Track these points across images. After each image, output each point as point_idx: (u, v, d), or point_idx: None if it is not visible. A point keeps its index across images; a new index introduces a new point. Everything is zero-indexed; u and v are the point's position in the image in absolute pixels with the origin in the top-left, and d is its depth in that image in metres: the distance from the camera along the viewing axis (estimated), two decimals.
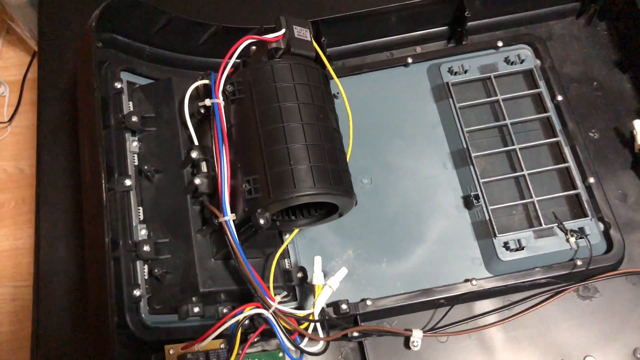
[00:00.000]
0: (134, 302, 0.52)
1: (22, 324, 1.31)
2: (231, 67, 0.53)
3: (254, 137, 0.50)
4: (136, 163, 0.57)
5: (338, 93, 0.62)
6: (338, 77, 0.61)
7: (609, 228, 0.60)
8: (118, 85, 0.57)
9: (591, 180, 0.61)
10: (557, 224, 0.59)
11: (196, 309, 0.53)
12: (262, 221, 0.49)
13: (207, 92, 0.56)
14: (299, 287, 0.58)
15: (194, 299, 0.53)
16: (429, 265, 0.60)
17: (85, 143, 0.54)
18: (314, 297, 0.52)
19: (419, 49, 0.70)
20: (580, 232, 0.59)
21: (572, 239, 0.58)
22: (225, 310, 0.54)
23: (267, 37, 0.51)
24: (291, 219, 0.55)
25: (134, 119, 0.56)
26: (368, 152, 0.65)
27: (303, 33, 0.52)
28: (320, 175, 0.49)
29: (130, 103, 0.58)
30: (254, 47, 0.54)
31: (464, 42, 0.69)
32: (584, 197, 0.61)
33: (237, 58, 0.53)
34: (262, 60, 0.53)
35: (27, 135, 1.48)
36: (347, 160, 0.56)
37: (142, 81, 0.61)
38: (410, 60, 0.68)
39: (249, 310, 0.50)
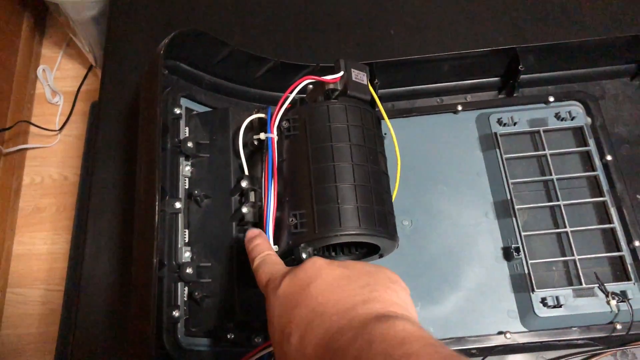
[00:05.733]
0: (172, 323, 0.53)
1: (50, 328, 1.35)
2: (289, 103, 0.55)
3: (304, 173, 0.51)
4: (187, 187, 0.59)
5: (386, 133, 0.63)
6: (388, 119, 0.63)
7: None
8: (177, 110, 0.59)
9: (636, 243, 0.60)
10: (598, 285, 0.59)
11: (230, 335, 0.54)
12: (304, 255, 0.49)
13: (262, 124, 0.58)
14: None
15: (229, 325, 0.54)
16: (463, 313, 0.60)
17: (142, 163, 0.56)
18: None
19: (469, 98, 0.71)
20: (622, 296, 0.58)
21: (613, 302, 0.58)
22: (258, 340, 0.55)
23: (326, 79, 0.53)
24: (332, 255, 0.56)
25: (189, 144, 0.58)
26: (411, 194, 0.65)
27: (360, 77, 0.53)
28: (365, 216, 0.50)
29: (187, 129, 0.60)
30: (311, 86, 0.56)
31: (515, 95, 0.70)
32: (628, 260, 0.60)
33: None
34: (319, 99, 0.54)
35: (74, 144, 1.53)
36: (392, 201, 0.57)
37: (199, 108, 0.64)
38: (459, 107, 0.69)
39: None
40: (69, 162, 1.51)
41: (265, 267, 0.45)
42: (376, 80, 0.66)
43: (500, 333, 0.58)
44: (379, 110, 0.59)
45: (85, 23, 1.33)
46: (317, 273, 0.40)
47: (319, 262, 0.42)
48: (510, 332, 0.58)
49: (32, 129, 1.51)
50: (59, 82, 1.59)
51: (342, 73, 0.53)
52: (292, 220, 0.51)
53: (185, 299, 0.55)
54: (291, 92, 0.54)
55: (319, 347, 0.36)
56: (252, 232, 0.51)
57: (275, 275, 0.43)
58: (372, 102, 0.57)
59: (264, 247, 0.48)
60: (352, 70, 0.53)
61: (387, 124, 0.59)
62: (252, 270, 0.47)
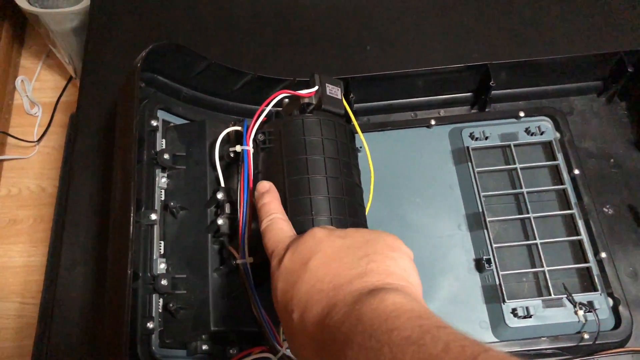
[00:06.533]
0: (146, 334, 0.53)
1: (25, 341, 1.33)
2: (264, 116, 0.55)
3: (279, 185, 0.52)
4: (163, 198, 0.59)
5: (361, 147, 0.64)
6: (363, 132, 0.64)
7: (618, 304, 0.60)
8: (154, 123, 0.60)
9: (603, 255, 0.62)
10: (566, 296, 0.60)
11: (205, 347, 0.54)
12: None
13: (238, 137, 0.58)
14: None
15: (204, 336, 0.54)
16: None
17: (118, 175, 0.57)
18: None
19: (442, 112, 0.73)
20: (589, 306, 0.60)
21: (581, 312, 0.59)
22: (232, 351, 0.55)
23: (301, 93, 0.54)
24: None
25: (166, 156, 0.59)
26: (386, 206, 0.66)
27: (334, 91, 0.54)
28: (339, 227, 0.51)
29: (164, 141, 0.61)
30: (287, 100, 0.57)
31: (487, 109, 0.72)
32: (595, 271, 0.62)
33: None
34: (294, 113, 0.55)
35: (53, 155, 1.52)
36: (366, 213, 0.58)
37: (176, 120, 0.64)
38: (433, 122, 0.70)
39: (257, 354, 0.51)
40: (47, 174, 1.50)
41: (271, 234, 0.46)
42: (352, 95, 0.67)
43: None
44: (353, 124, 0.60)
45: (65, 34, 1.33)
46: (317, 246, 0.41)
47: (319, 233, 0.42)
48: None
49: (10, 140, 1.50)
50: (38, 93, 1.59)
51: (316, 88, 0.54)
52: None
53: (160, 310, 0.55)
54: (267, 106, 0.55)
55: (317, 326, 0.36)
56: (262, 186, 0.50)
57: (280, 246, 0.43)
58: (347, 116, 0.58)
59: (271, 207, 0.48)
60: (327, 85, 0.55)
61: (361, 137, 0.60)
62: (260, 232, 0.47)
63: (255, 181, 0.54)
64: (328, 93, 0.54)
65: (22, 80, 1.56)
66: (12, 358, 1.31)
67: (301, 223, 0.51)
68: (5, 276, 1.38)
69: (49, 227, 1.42)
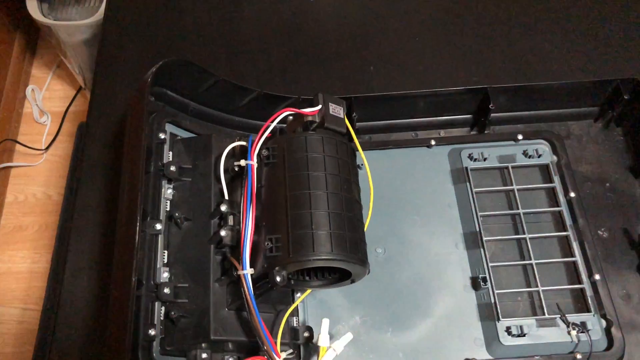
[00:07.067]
0: (148, 341, 0.55)
1: (25, 347, 1.33)
2: (269, 133, 0.57)
3: (281, 199, 0.54)
4: (168, 209, 0.61)
5: (362, 165, 0.66)
6: (364, 151, 0.66)
7: (610, 326, 0.61)
8: (162, 135, 0.62)
9: (597, 277, 0.63)
10: (560, 316, 0.61)
11: (204, 355, 0.55)
12: (278, 279, 0.52)
13: (243, 151, 0.60)
14: (304, 346, 0.60)
15: (203, 345, 0.55)
16: (432, 340, 0.62)
17: (125, 185, 0.58)
18: (317, 358, 0.54)
19: (442, 133, 0.75)
20: (582, 327, 0.61)
21: (574, 332, 0.60)
22: None
23: (304, 111, 0.56)
24: (305, 279, 0.58)
25: (172, 168, 0.60)
26: (385, 223, 0.68)
27: (337, 110, 0.56)
28: (338, 242, 0.53)
29: (171, 153, 0.63)
30: (291, 117, 0.59)
31: (486, 131, 0.74)
32: (589, 292, 0.63)
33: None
34: (298, 130, 0.57)
35: (60, 164, 1.54)
36: (365, 230, 0.59)
37: (183, 133, 0.66)
38: (433, 142, 0.72)
39: None
40: (54, 182, 1.52)
41: None
42: (354, 114, 0.69)
43: None
44: (355, 143, 0.62)
45: (77, 46, 1.36)
46: None
47: None
48: (476, 359, 0.60)
49: (18, 147, 1.52)
50: (48, 103, 1.61)
51: (320, 106, 0.56)
52: (267, 244, 0.53)
53: (162, 318, 0.57)
54: (271, 123, 0.56)
55: None
56: None
57: None
58: (348, 135, 0.60)
59: None
60: (330, 104, 0.57)
61: (362, 155, 0.62)
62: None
63: (259, 195, 0.56)
64: (331, 112, 0.56)
65: (32, 89, 1.59)
66: None
67: (301, 237, 0.52)
68: (8, 281, 1.39)
69: (54, 234, 1.43)
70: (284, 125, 0.61)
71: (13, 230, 1.44)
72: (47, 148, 1.54)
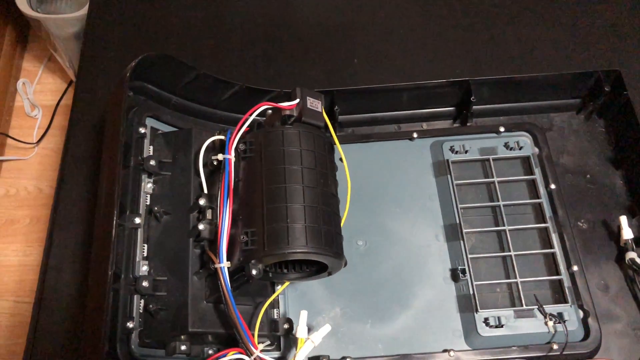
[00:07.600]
0: (126, 334, 0.55)
1: (18, 340, 1.34)
2: (247, 126, 0.58)
3: (257, 193, 0.54)
4: (148, 203, 0.61)
5: (341, 159, 0.66)
6: (347, 143, 0.66)
7: (587, 316, 0.62)
8: (142, 130, 0.62)
9: (575, 268, 0.64)
10: (537, 307, 0.62)
11: (183, 347, 0.56)
12: (254, 272, 0.52)
13: (222, 145, 0.60)
14: (284, 337, 0.60)
15: (182, 337, 0.56)
16: (411, 331, 0.63)
17: (104, 179, 0.59)
18: (296, 350, 0.55)
19: (424, 126, 0.75)
20: (559, 317, 0.61)
21: (551, 323, 0.61)
22: (210, 352, 0.57)
23: (282, 105, 0.56)
24: (283, 272, 0.59)
25: (152, 162, 0.61)
26: (366, 215, 0.68)
27: (315, 104, 0.57)
28: (313, 235, 0.53)
29: (151, 147, 0.63)
30: (270, 111, 0.59)
31: (468, 124, 0.74)
32: (566, 283, 0.63)
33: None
34: (275, 124, 0.57)
35: (51, 157, 1.54)
36: (342, 224, 0.60)
37: (164, 127, 0.66)
38: (415, 135, 0.72)
39: (232, 355, 0.52)
40: (45, 175, 1.52)
41: None
42: (336, 107, 0.69)
43: (445, 351, 0.61)
44: (332, 137, 0.62)
45: (67, 39, 1.36)
46: None
47: None
48: (454, 350, 0.60)
49: (9, 141, 1.52)
50: (39, 96, 1.61)
51: (297, 100, 0.56)
52: (243, 238, 0.53)
53: (141, 311, 0.57)
54: (249, 117, 0.57)
55: None
56: None
57: None
58: (327, 129, 0.60)
59: None
60: (308, 98, 0.57)
61: (339, 150, 0.62)
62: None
63: (236, 189, 0.56)
64: (309, 106, 0.56)
65: (23, 83, 1.58)
66: (5, 356, 1.33)
67: (276, 230, 0.52)
68: (0, 275, 1.40)
69: (45, 227, 1.43)
70: (264, 118, 0.61)
71: (5, 223, 1.45)
72: (38, 141, 1.54)
